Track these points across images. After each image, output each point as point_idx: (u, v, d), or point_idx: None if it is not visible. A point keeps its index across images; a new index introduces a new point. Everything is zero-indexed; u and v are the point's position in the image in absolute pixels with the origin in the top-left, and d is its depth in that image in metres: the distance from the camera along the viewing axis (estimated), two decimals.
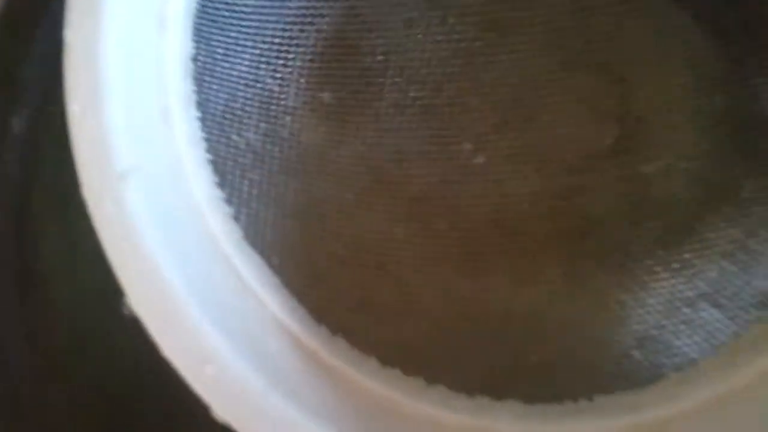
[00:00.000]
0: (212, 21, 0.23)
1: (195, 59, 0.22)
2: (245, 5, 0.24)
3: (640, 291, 0.25)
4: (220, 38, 0.23)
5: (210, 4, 0.23)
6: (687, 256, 0.25)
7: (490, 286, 0.27)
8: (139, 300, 0.18)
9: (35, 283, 0.25)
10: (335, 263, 0.25)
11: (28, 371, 0.25)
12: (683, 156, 0.27)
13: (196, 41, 0.22)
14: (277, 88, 0.25)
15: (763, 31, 0.25)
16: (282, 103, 0.26)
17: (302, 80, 0.26)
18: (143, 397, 0.24)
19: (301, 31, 0.26)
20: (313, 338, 0.21)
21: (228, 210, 0.22)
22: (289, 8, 0.26)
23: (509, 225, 0.28)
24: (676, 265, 0.25)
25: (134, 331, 0.18)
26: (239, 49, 0.24)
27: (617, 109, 0.28)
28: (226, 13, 0.23)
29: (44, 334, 0.24)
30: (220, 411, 0.18)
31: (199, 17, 0.22)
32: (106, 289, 0.18)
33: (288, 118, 0.26)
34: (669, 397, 0.21)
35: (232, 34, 0.24)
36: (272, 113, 0.25)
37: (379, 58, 0.28)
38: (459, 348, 0.25)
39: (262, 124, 0.25)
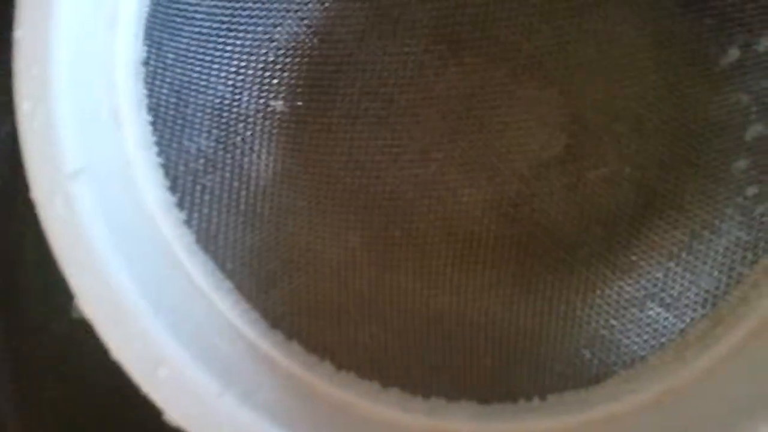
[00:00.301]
0: (164, 26, 0.23)
1: (146, 63, 0.22)
2: (197, 12, 0.24)
3: (589, 293, 0.25)
4: (172, 44, 0.23)
5: (162, 10, 0.23)
6: (633, 258, 0.26)
7: (443, 291, 0.27)
8: (89, 302, 0.18)
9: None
10: (290, 269, 0.25)
11: None
12: (628, 163, 0.28)
13: (148, 45, 0.22)
14: (229, 96, 0.25)
15: (701, 43, 0.26)
16: (234, 110, 0.26)
17: (255, 88, 0.26)
18: (96, 400, 0.23)
19: (254, 40, 0.26)
20: (268, 343, 0.21)
21: (179, 215, 0.22)
22: (242, 17, 0.26)
23: (462, 232, 0.29)
24: (623, 268, 0.26)
25: (86, 333, 0.17)
26: (190, 55, 0.24)
27: (564, 119, 0.29)
28: (178, 19, 0.23)
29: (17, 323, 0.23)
30: (173, 414, 0.18)
31: (150, 22, 0.22)
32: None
33: (241, 125, 0.26)
34: (619, 393, 0.22)
35: (184, 40, 0.24)
36: (224, 120, 0.25)
37: (331, 68, 0.29)
38: (413, 351, 0.25)
39: (214, 131, 0.25)
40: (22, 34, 0.19)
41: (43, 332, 0.24)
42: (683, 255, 0.25)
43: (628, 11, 0.28)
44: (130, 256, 0.19)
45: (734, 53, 0.25)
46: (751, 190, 0.24)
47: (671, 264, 0.25)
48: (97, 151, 0.20)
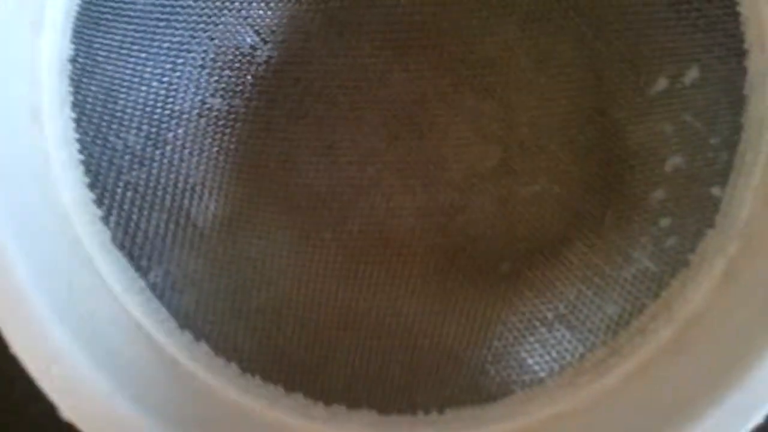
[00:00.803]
0: (95, 24, 0.23)
1: (74, 60, 0.22)
2: (132, 9, 0.24)
3: (505, 309, 0.26)
4: (103, 41, 0.23)
5: (93, 7, 0.23)
6: (550, 277, 0.26)
7: (366, 297, 0.28)
8: None
9: None
10: (210, 268, 0.25)
11: None
12: (557, 182, 0.28)
13: (76, 43, 0.22)
14: (163, 93, 0.26)
15: (633, 70, 0.26)
16: (168, 107, 0.26)
17: (191, 86, 0.27)
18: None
19: (192, 36, 0.27)
20: (174, 344, 0.22)
21: (97, 211, 0.22)
22: (180, 14, 0.26)
23: (393, 238, 0.29)
24: (540, 286, 0.26)
25: None
26: (123, 51, 0.24)
27: (501, 132, 0.29)
28: (110, 17, 0.24)
29: None
30: (67, 411, 0.19)
31: (80, 20, 0.22)
32: None
33: (174, 122, 0.26)
34: (514, 413, 0.22)
35: (117, 37, 0.24)
36: (156, 117, 0.25)
37: (273, 68, 0.29)
38: (324, 356, 0.25)
39: (145, 127, 0.25)
40: None
41: None
42: (595, 279, 0.25)
43: (569, 32, 0.28)
44: (36, 254, 0.20)
45: (662, 83, 0.25)
46: (665, 222, 0.24)
47: (583, 287, 0.25)
48: (10, 149, 0.20)
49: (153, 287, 0.23)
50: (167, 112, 0.26)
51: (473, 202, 0.29)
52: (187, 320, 0.23)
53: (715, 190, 0.23)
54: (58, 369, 0.19)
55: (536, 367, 0.24)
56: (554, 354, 0.24)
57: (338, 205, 0.29)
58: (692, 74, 0.24)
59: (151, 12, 0.25)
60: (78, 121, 0.22)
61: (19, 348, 0.19)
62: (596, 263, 0.25)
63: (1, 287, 0.19)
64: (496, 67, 0.29)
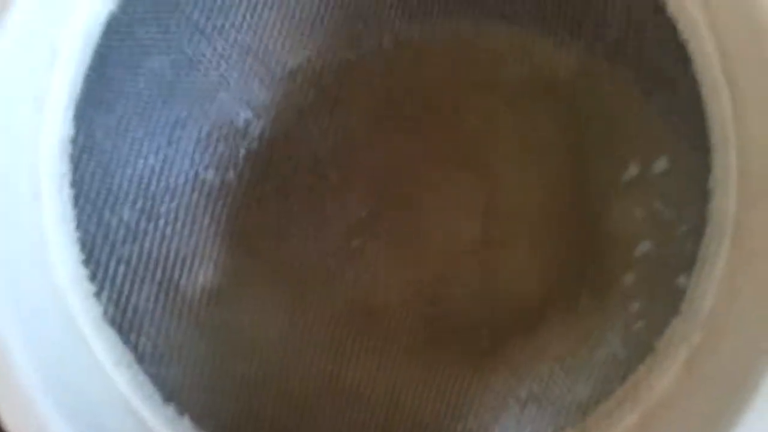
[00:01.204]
0: (96, 104, 0.24)
1: (74, 140, 0.24)
2: (133, 88, 0.26)
3: (482, 386, 0.27)
4: (102, 120, 0.25)
5: (96, 87, 0.24)
6: (527, 354, 0.27)
7: (350, 367, 0.29)
8: None
9: None
10: (196, 339, 0.26)
11: None
12: (536, 257, 0.29)
13: (77, 123, 0.24)
14: (159, 167, 0.27)
15: (608, 154, 0.27)
16: (163, 181, 0.27)
17: (186, 160, 0.28)
18: None
19: (190, 113, 0.28)
20: (159, 418, 0.23)
21: (90, 287, 0.23)
22: (179, 92, 0.27)
23: (377, 309, 0.30)
24: (516, 364, 0.27)
25: None
26: (122, 129, 0.25)
27: (483, 206, 0.30)
28: (112, 96, 0.25)
29: None
30: None
31: (82, 99, 0.24)
32: None
33: (167, 195, 0.27)
34: None
35: (117, 115, 0.25)
36: (151, 191, 0.27)
37: (266, 142, 0.30)
38: (306, 426, 0.26)
39: (139, 201, 0.26)
40: None
41: None
42: (568, 359, 0.26)
43: (550, 113, 0.29)
44: (30, 330, 0.21)
45: (634, 169, 0.27)
46: (634, 306, 0.25)
47: (556, 366, 0.26)
48: (10, 229, 0.21)
49: (141, 360, 0.24)
50: (162, 185, 0.27)
51: (455, 273, 0.30)
52: (172, 394, 0.24)
53: (682, 279, 0.24)
54: None
55: None
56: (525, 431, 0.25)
57: (325, 276, 0.30)
58: (662, 164, 0.26)
59: (151, 90, 0.26)
60: (76, 198, 0.24)
61: (8, 421, 0.20)
62: (571, 343, 0.26)
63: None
64: (479, 142, 0.31)
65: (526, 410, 0.25)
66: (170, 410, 0.23)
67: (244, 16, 0.27)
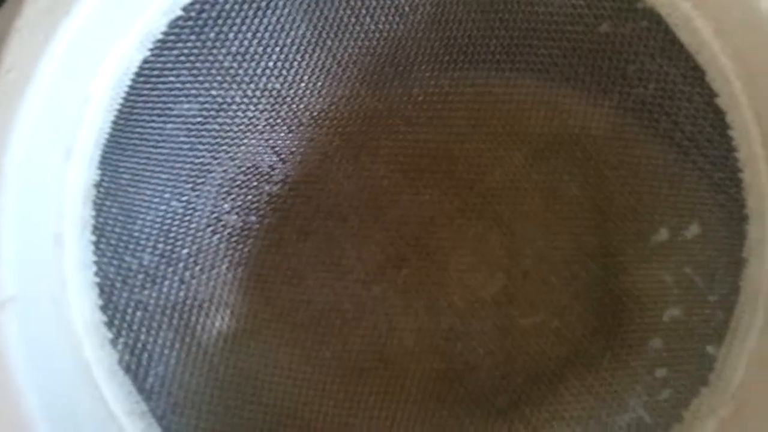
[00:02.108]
0: (122, 149, 0.24)
1: (98, 185, 0.23)
2: (159, 133, 0.25)
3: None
4: (128, 164, 0.24)
5: (122, 134, 0.24)
6: (546, 416, 0.27)
7: (363, 418, 0.28)
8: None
9: None
10: (210, 387, 0.26)
11: None
12: (557, 316, 0.29)
13: (102, 169, 0.23)
14: (181, 211, 0.27)
15: (636, 217, 0.27)
16: (185, 225, 0.27)
17: (209, 204, 0.28)
18: None
19: (214, 158, 0.28)
20: None
21: (107, 334, 0.23)
22: (205, 137, 0.27)
23: (392, 359, 0.30)
24: (536, 424, 0.26)
25: None
26: (147, 174, 0.25)
27: (505, 261, 0.30)
28: (137, 141, 0.25)
29: None
30: None
31: (108, 146, 0.23)
32: None
33: (189, 239, 0.27)
34: None
35: (141, 161, 0.25)
36: (172, 234, 0.26)
37: (289, 186, 0.30)
38: None
39: (160, 245, 0.26)
40: None
41: None
42: (590, 422, 0.25)
43: (575, 170, 0.29)
44: (44, 378, 0.20)
45: (664, 233, 0.26)
46: (660, 372, 0.25)
47: (578, 429, 0.25)
48: (32, 276, 0.21)
49: (154, 411, 0.23)
50: (183, 229, 0.27)
51: (473, 328, 0.30)
52: None
53: (711, 348, 0.23)
54: None
55: None
56: None
57: (341, 322, 0.30)
58: (693, 230, 0.25)
59: (177, 136, 0.26)
60: (97, 244, 0.23)
61: None
62: (592, 406, 0.26)
63: (7, 408, 0.19)
64: (503, 197, 0.30)
65: None
66: None
67: (275, 63, 0.27)
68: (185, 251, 0.27)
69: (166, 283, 0.26)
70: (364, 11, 0.27)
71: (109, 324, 0.23)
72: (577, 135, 0.29)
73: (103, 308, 0.23)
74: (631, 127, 0.27)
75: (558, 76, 0.28)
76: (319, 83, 0.28)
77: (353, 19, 0.27)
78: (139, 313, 0.24)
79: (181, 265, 0.27)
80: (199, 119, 0.26)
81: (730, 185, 0.24)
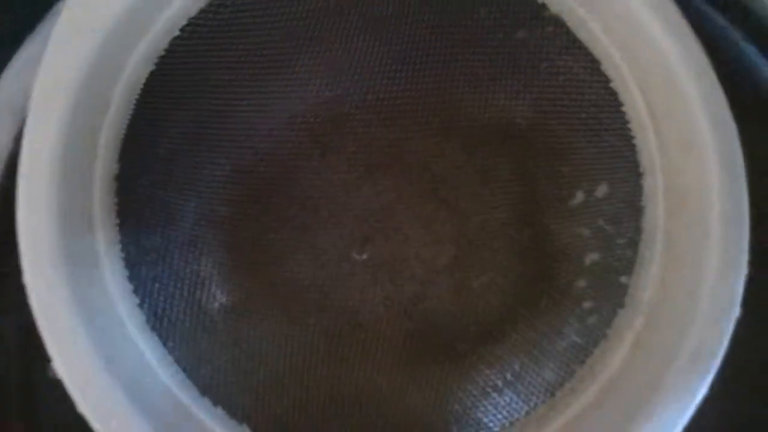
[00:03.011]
0: (135, 148, 0.29)
1: (118, 178, 0.28)
2: (162, 137, 0.30)
3: (463, 380, 0.32)
4: (139, 161, 0.29)
5: (136, 133, 0.28)
6: (499, 353, 0.32)
7: (346, 373, 0.33)
8: (61, 365, 0.23)
9: None
10: (218, 348, 0.30)
11: None
12: (500, 274, 0.34)
13: (120, 162, 0.28)
14: (182, 201, 0.31)
15: (557, 186, 0.33)
16: (185, 213, 0.31)
17: (204, 197, 0.32)
18: None
19: (207, 157, 0.32)
20: (198, 407, 0.27)
21: (135, 299, 0.27)
22: (204, 137, 0.32)
23: (365, 323, 0.35)
24: (490, 360, 0.32)
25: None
26: (153, 169, 0.30)
27: (454, 234, 0.36)
28: (146, 142, 0.29)
29: None
30: None
31: (125, 144, 0.28)
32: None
33: (188, 225, 0.31)
34: None
35: (149, 159, 0.30)
36: (176, 221, 0.31)
37: (266, 182, 0.35)
38: (317, 424, 0.30)
39: (166, 231, 0.30)
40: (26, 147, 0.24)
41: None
42: (535, 352, 0.31)
43: (505, 154, 0.35)
44: (94, 331, 0.25)
45: (580, 196, 0.32)
46: (587, 304, 0.31)
47: (526, 359, 0.31)
48: (74, 249, 0.25)
49: (178, 361, 0.28)
50: (184, 217, 0.32)
51: (432, 292, 0.35)
52: (205, 389, 0.28)
53: (624, 279, 0.29)
54: (115, 423, 0.23)
55: (490, 425, 0.30)
56: (504, 413, 0.30)
57: (318, 295, 0.35)
58: (602, 189, 0.31)
59: (177, 138, 0.31)
60: (120, 226, 0.28)
61: (84, 407, 0.23)
62: (535, 339, 0.32)
63: (71, 358, 0.24)
64: (447, 181, 0.36)
65: (503, 395, 0.30)
66: (206, 402, 0.27)
67: (252, 75, 0.32)
68: (187, 236, 0.31)
69: (174, 262, 0.30)
70: (327, 32, 0.33)
71: (135, 291, 0.28)
72: (505, 125, 0.35)
73: (130, 278, 0.28)
74: (548, 114, 0.33)
75: (486, 76, 0.34)
76: (292, 93, 0.34)
77: (318, 38, 0.33)
78: (156, 285, 0.29)
79: (184, 248, 0.31)
80: (194, 124, 0.31)
81: (627, 150, 0.30)
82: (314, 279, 0.35)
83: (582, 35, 0.29)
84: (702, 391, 0.25)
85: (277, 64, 0.32)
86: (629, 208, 0.30)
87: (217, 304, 0.32)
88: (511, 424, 0.29)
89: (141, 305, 0.28)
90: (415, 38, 0.34)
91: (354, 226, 0.36)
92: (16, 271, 0.25)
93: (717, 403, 0.26)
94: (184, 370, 0.27)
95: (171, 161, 0.30)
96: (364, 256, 0.36)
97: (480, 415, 0.30)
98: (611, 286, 0.30)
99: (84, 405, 0.23)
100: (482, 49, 0.33)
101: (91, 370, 0.24)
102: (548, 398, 0.29)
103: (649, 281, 0.28)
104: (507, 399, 0.30)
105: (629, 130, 0.29)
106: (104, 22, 0.26)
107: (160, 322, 0.28)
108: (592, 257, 0.31)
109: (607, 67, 0.29)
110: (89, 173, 0.27)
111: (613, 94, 0.29)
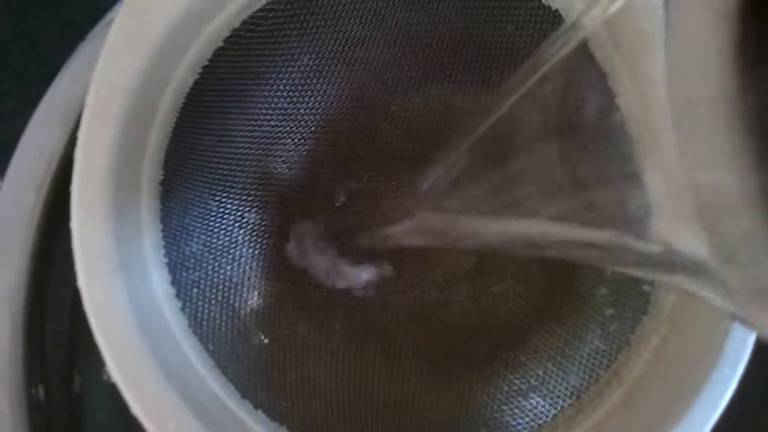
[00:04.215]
0: (178, 156, 0.29)
1: (162, 183, 0.28)
2: (201, 146, 0.31)
3: (487, 384, 0.33)
4: (181, 168, 0.30)
5: (178, 144, 0.29)
6: (522, 358, 0.33)
7: (373, 377, 0.34)
8: (115, 369, 0.24)
9: None
10: (254, 352, 0.31)
11: None
12: (521, 282, 0.36)
13: (165, 170, 0.29)
14: (215, 209, 0.32)
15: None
16: (218, 221, 0.32)
17: (234, 203, 0.33)
18: None
19: (239, 166, 0.33)
20: (241, 410, 0.27)
21: (177, 303, 0.28)
22: (232, 148, 0.32)
23: (390, 328, 0.36)
24: (513, 365, 0.33)
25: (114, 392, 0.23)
26: (193, 177, 0.31)
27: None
28: (188, 150, 0.30)
29: None
30: None
31: (168, 152, 0.29)
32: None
33: (222, 233, 0.32)
34: None
35: (190, 166, 0.30)
36: (210, 229, 0.31)
37: (292, 189, 0.36)
38: (350, 424, 0.31)
39: (203, 237, 0.31)
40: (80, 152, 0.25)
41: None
42: (558, 358, 0.32)
43: None
44: (146, 334, 0.25)
45: None
46: (609, 312, 0.32)
47: (549, 364, 0.32)
48: (126, 253, 0.26)
49: (219, 364, 0.28)
50: (217, 225, 0.32)
51: (453, 298, 0.36)
52: (246, 392, 0.28)
53: (646, 287, 0.31)
54: (172, 425, 0.24)
55: (519, 428, 0.31)
56: (531, 416, 0.31)
57: (345, 302, 0.36)
58: None
59: (213, 148, 0.31)
60: (163, 231, 0.28)
61: (138, 409, 0.24)
62: (558, 346, 0.33)
63: (126, 362, 0.24)
64: None
65: (529, 399, 0.31)
66: (247, 404, 0.28)
67: (285, 86, 0.33)
68: (220, 242, 0.32)
69: (209, 267, 0.31)
70: (355, 44, 0.34)
71: (177, 295, 0.28)
72: None
73: (172, 283, 0.28)
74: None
75: (494, 84, 0.35)
76: (317, 104, 0.35)
77: (346, 50, 0.34)
78: (195, 290, 0.29)
79: (218, 253, 0.32)
80: (228, 133, 0.32)
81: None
82: (340, 288, 0.36)
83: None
84: (729, 393, 0.26)
85: (304, 74, 0.33)
86: None
87: (249, 310, 0.32)
88: (539, 426, 0.30)
89: (183, 309, 0.28)
90: (439, 53, 0.35)
91: (376, 233, 0.37)
92: (62, 277, 0.25)
93: (738, 406, 0.27)
94: (225, 373, 0.28)
95: (205, 169, 0.31)
96: (386, 264, 0.37)
97: (507, 418, 0.31)
98: (633, 294, 0.31)
99: (139, 407, 0.24)
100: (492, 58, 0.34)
101: (146, 373, 0.24)
102: (575, 401, 0.30)
103: (670, 288, 0.30)
104: (533, 403, 0.31)
105: (617, 106, 0.30)
106: (157, 33, 0.26)
107: (200, 326, 0.29)
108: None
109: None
110: (138, 178, 0.27)
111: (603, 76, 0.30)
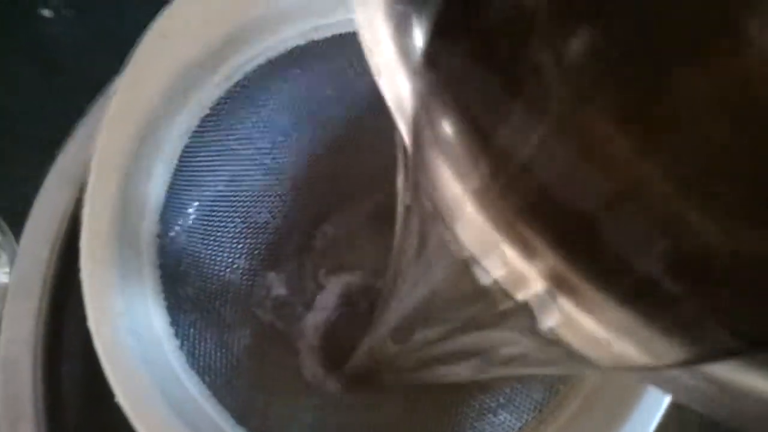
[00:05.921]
0: (171, 212, 0.33)
1: (159, 236, 0.32)
2: (192, 200, 0.35)
3: (462, 404, 0.36)
4: (175, 223, 0.33)
5: (171, 201, 0.33)
6: (491, 380, 0.37)
7: (356, 404, 0.37)
8: (124, 399, 0.27)
9: None
10: (245, 383, 0.34)
11: None
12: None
13: (162, 224, 0.32)
14: (207, 256, 0.36)
15: None
16: (210, 268, 0.36)
17: (226, 251, 0.37)
18: None
19: (227, 217, 0.37)
20: None
21: (175, 342, 0.31)
22: (221, 201, 0.36)
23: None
24: (486, 387, 0.36)
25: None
26: (185, 229, 0.34)
27: None
28: (179, 206, 0.34)
29: None
30: None
31: (164, 208, 0.32)
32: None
33: (214, 278, 0.36)
34: None
35: (182, 220, 0.34)
36: (204, 274, 0.35)
37: (279, 234, 0.39)
38: None
39: (197, 282, 0.35)
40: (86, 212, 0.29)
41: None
42: (523, 378, 0.36)
43: None
44: (150, 369, 0.29)
45: None
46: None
47: (515, 383, 0.36)
48: (131, 298, 0.29)
49: (215, 394, 0.31)
50: (209, 271, 0.36)
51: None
52: (241, 419, 0.31)
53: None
54: None
55: None
56: (500, 430, 0.34)
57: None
58: None
59: (203, 201, 0.35)
60: (162, 278, 0.32)
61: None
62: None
63: (136, 395, 0.27)
64: None
65: (498, 415, 0.35)
66: (242, 430, 0.31)
67: (266, 144, 0.37)
68: (213, 287, 0.36)
69: (204, 310, 0.35)
70: (324, 104, 0.38)
71: (176, 335, 0.32)
72: None
73: (171, 324, 0.32)
74: None
75: None
76: (295, 160, 0.39)
77: (317, 111, 0.38)
78: (192, 329, 0.33)
79: (212, 296, 0.35)
80: (216, 188, 0.36)
81: None
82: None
83: None
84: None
85: (282, 132, 0.37)
86: None
87: (242, 347, 0.36)
88: None
89: (181, 347, 0.31)
90: None
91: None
92: (75, 321, 0.29)
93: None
94: (221, 401, 0.31)
95: (197, 220, 0.35)
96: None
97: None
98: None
99: (143, 429, 0.27)
100: None
101: (151, 402, 0.28)
102: (537, 414, 0.33)
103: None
104: (501, 418, 0.34)
105: None
106: (149, 105, 0.30)
107: (197, 361, 0.32)
108: None
109: None
110: (138, 233, 0.31)
111: None
